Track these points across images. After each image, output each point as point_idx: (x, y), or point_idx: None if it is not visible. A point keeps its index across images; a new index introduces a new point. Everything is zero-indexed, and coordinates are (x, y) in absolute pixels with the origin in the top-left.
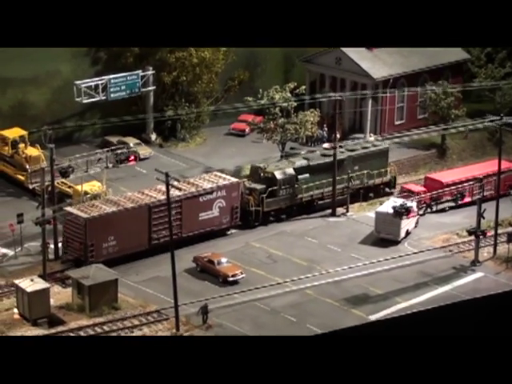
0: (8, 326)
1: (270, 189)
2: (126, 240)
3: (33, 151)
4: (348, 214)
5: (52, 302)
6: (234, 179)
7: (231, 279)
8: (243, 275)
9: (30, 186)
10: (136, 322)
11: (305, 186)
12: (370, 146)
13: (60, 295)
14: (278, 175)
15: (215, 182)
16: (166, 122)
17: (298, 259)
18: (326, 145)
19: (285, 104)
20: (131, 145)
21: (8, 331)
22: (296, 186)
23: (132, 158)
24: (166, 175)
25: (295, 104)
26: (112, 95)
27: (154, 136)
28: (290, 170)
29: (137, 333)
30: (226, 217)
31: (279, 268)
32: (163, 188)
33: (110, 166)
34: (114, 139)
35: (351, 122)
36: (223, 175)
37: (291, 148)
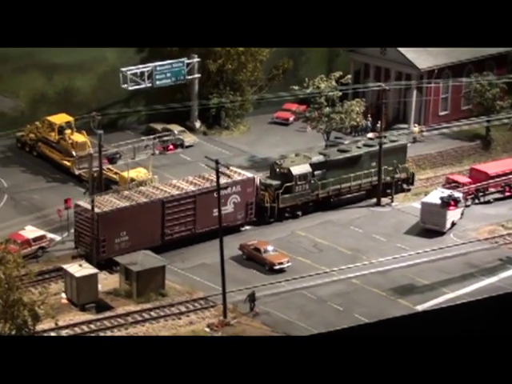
0: (56, 311)
1: (285, 185)
2: (139, 235)
3: (79, 137)
4: (393, 204)
5: (99, 287)
6: (249, 174)
7: (277, 267)
8: (289, 263)
9: (76, 172)
10: (183, 309)
11: (321, 182)
12: (388, 141)
13: (107, 281)
14: (294, 171)
15: (230, 178)
16: (210, 110)
17: (344, 248)
18: (370, 135)
19: (330, 93)
20: (176, 132)
21: (57, 316)
22: (312, 182)
23: (171, 147)
24: (216, 162)
25: (340, 93)
26: (157, 82)
27: (198, 124)
28: (307, 166)
29: (184, 319)
30: (241, 213)
31: (325, 257)
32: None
33: (157, 152)
34: (158, 126)
35: (395, 113)
36: (239, 170)
37: (336, 137)
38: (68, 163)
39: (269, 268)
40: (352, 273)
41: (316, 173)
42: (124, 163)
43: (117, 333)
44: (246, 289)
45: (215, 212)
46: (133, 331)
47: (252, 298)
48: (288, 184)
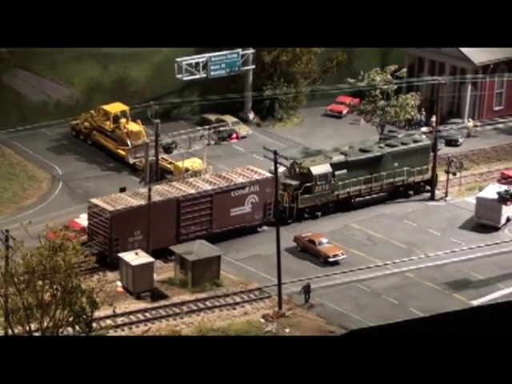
0: (112, 299)
1: (305, 185)
2: (154, 235)
3: (134, 126)
4: (447, 198)
5: (155, 276)
6: (268, 174)
7: (332, 259)
8: (344, 256)
9: (131, 161)
10: (238, 299)
11: (341, 183)
12: (411, 142)
13: (162, 270)
14: (314, 170)
15: (248, 177)
16: (264, 102)
17: (398, 242)
18: (424, 129)
19: (385, 86)
20: (229, 123)
21: (114, 303)
22: (332, 182)
23: (234, 136)
24: (275, 153)
25: (395, 87)
26: (212, 73)
27: (251, 115)
28: (327, 166)
29: (239, 310)
30: (259, 213)
31: (379, 250)
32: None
33: (212, 143)
34: (212, 117)
35: (449, 107)
36: (258, 169)
37: (390, 131)
38: (122, 152)
39: (323, 260)
40: (406, 266)
41: (336, 173)
42: (178, 153)
43: (172, 322)
44: (300, 280)
45: (233, 212)
46: (188, 320)
47: (307, 290)
48: (308, 184)
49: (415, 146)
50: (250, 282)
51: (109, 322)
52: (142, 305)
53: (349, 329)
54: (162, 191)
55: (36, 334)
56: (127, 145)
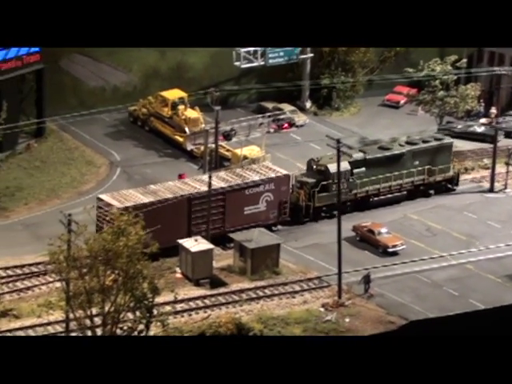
0: (171, 285)
1: (322, 183)
2: (163, 233)
3: (192, 113)
4: (507, 190)
5: (214, 263)
6: (283, 171)
7: (391, 250)
8: (403, 246)
9: (189, 148)
10: (297, 288)
11: (360, 181)
12: (432, 140)
13: (220, 257)
14: (332, 168)
15: (263, 174)
16: (321, 90)
17: (457, 233)
18: (483, 120)
19: (445, 77)
20: (287, 112)
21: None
22: (350, 180)
23: (286, 125)
24: (338, 142)
25: (455, 77)
26: (270, 61)
27: (308, 104)
28: (345, 164)
29: (298, 298)
30: (274, 212)
31: (438, 241)
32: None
33: (271, 131)
34: (269, 105)
35: (509, 98)
36: (273, 167)
37: (448, 122)
38: (180, 139)
39: (382, 250)
40: (466, 258)
41: (355, 171)
42: (237, 141)
43: (231, 309)
44: (359, 270)
45: (246, 210)
46: (247, 308)
47: (367, 280)
48: (325, 182)
49: (437, 145)
50: (309, 271)
51: (168, 308)
52: (201, 291)
53: (409, 319)
54: (173, 188)
55: (97, 319)
56: (185, 131)
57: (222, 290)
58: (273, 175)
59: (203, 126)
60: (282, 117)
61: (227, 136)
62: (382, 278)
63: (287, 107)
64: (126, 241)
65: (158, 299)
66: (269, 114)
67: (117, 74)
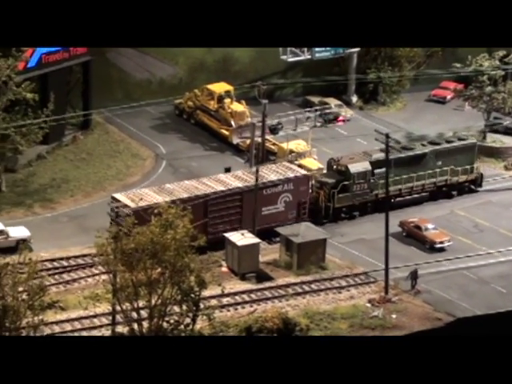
0: (217, 279)
1: (342, 183)
2: None
3: (238, 107)
4: None
5: (260, 257)
6: (303, 171)
7: (438, 246)
8: (450, 242)
9: (235, 141)
10: (343, 283)
11: (381, 182)
12: (456, 140)
13: (266, 251)
14: (352, 168)
15: (282, 174)
16: (367, 85)
17: (505, 230)
18: None
19: (493, 72)
20: (333, 106)
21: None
22: (372, 181)
23: (341, 118)
24: (387, 136)
25: (503, 73)
26: (317, 55)
27: (354, 98)
28: (366, 164)
29: (345, 294)
30: (292, 212)
31: (486, 238)
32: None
33: (318, 125)
34: (315, 99)
35: None
36: (292, 166)
37: (495, 118)
38: (226, 132)
39: (429, 246)
40: None
41: (376, 171)
42: (282, 135)
43: (278, 304)
44: (406, 266)
45: (265, 210)
46: (294, 303)
47: (414, 276)
48: (345, 182)
49: (460, 145)
50: (355, 266)
51: (215, 302)
52: (247, 286)
53: (456, 316)
54: (190, 188)
55: (143, 312)
56: (231, 125)
57: (267, 284)
58: (292, 175)
59: (249, 119)
60: (329, 111)
61: (273, 130)
62: (428, 274)
63: (333, 101)
64: (174, 234)
65: (205, 293)
66: (314, 108)
67: (163, 67)
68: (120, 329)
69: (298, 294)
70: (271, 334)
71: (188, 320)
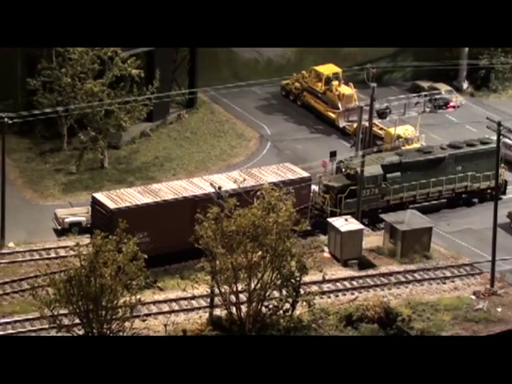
0: (319, 265)
1: (350, 187)
2: (164, 238)
3: (346, 89)
4: None
5: (363, 244)
6: (304, 173)
7: None
8: None
9: (341, 125)
10: (448, 274)
11: (394, 187)
12: (478, 144)
13: (369, 238)
14: (363, 172)
15: (281, 176)
16: (479, 71)
17: None
18: None
19: None
20: (443, 91)
21: (321, 268)
22: (383, 185)
23: (451, 104)
24: (499, 124)
25: None
26: None
27: (465, 84)
28: (377, 167)
29: (449, 284)
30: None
31: None
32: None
33: (428, 110)
34: (424, 84)
35: None
36: (294, 168)
37: None
38: (333, 115)
39: None
40: None
41: (388, 176)
42: (390, 119)
43: (379, 292)
44: None
45: None
46: (396, 292)
47: None
48: (354, 187)
49: (482, 149)
50: (460, 257)
51: (315, 288)
52: (348, 272)
53: None
54: (177, 188)
55: (242, 296)
56: (338, 108)
57: (370, 271)
58: (291, 177)
59: (357, 102)
60: (439, 96)
61: (382, 114)
62: None
63: (443, 87)
64: (276, 217)
65: (305, 278)
66: (424, 93)
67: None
68: (218, 312)
69: (401, 282)
70: (372, 323)
71: (287, 305)
